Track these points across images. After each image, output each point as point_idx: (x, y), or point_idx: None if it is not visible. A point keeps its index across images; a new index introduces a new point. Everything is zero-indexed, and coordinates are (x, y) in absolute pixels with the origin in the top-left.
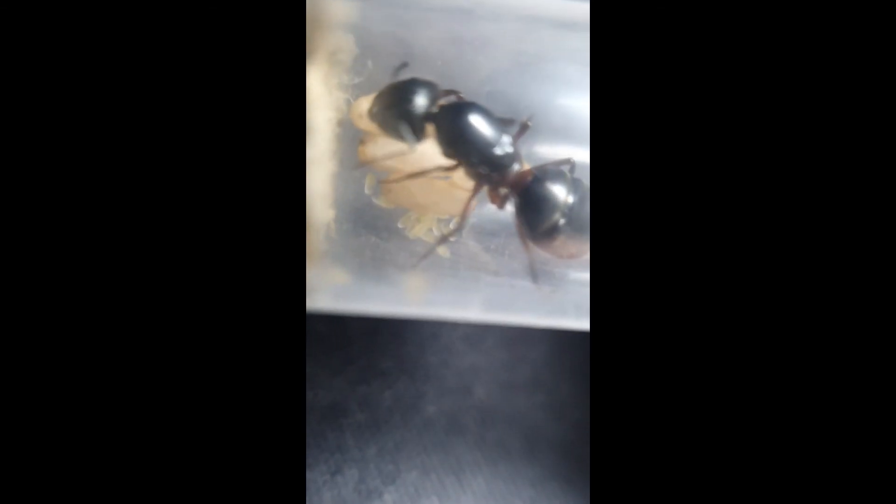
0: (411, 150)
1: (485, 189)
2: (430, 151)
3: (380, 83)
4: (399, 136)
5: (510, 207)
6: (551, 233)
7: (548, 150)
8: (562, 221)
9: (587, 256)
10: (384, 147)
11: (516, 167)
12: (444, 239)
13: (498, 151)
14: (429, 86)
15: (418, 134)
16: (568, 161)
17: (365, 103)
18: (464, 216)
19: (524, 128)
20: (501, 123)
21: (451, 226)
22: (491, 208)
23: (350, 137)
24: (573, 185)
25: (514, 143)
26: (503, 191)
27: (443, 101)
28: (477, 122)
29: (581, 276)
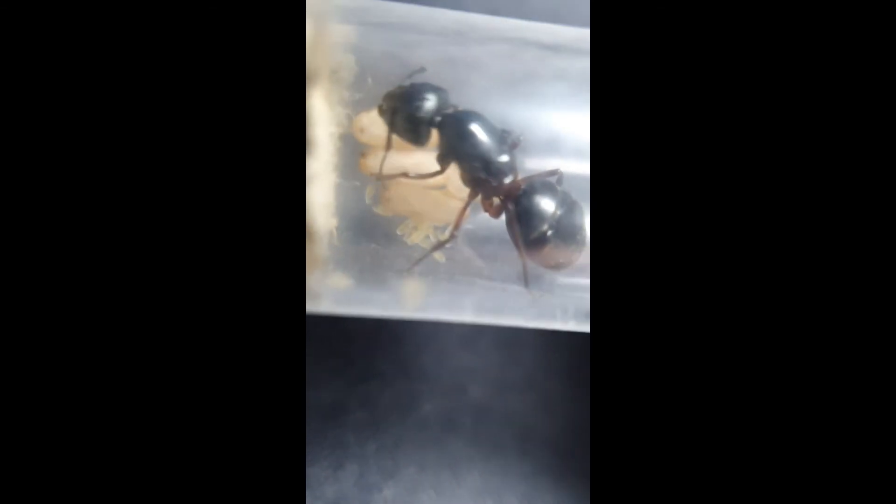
0: (415, 149)
1: (478, 198)
2: (426, 161)
3: (379, 99)
4: (404, 135)
5: (502, 216)
6: (539, 243)
7: (534, 163)
8: (550, 232)
9: (573, 266)
10: (384, 160)
11: (511, 177)
12: (439, 245)
13: (500, 159)
14: (439, 91)
15: (423, 134)
16: (555, 172)
17: (365, 118)
18: (458, 224)
19: (516, 142)
20: (502, 133)
21: (447, 233)
22: (484, 216)
23: (351, 151)
24: (561, 197)
25: (512, 155)
26: (496, 200)
27: (449, 110)
28: (482, 129)
29: (569, 281)
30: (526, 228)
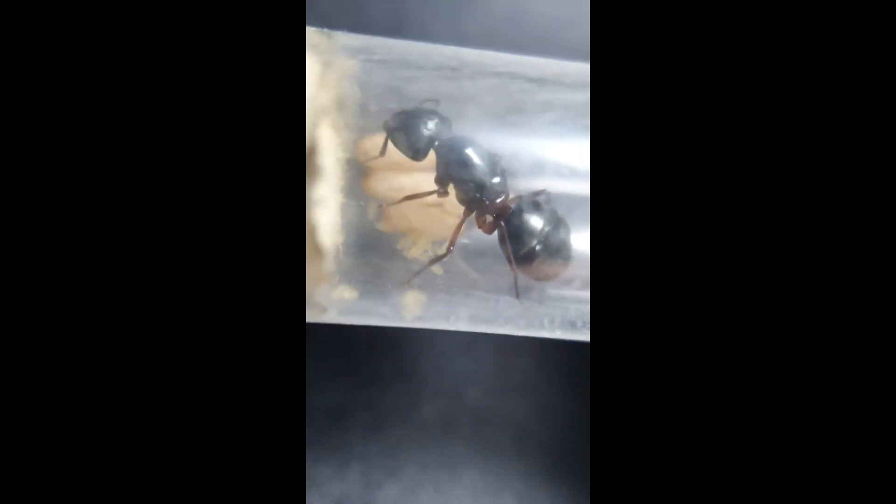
0: (413, 163)
1: (473, 216)
2: (424, 181)
3: (381, 124)
4: (405, 150)
5: (495, 233)
6: (529, 257)
7: (522, 185)
8: (538, 247)
9: (559, 278)
10: (386, 180)
11: (503, 197)
12: (436, 259)
13: (493, 181)
14: (443, 119)
15: (421, 151)
16: (543, 192)
17: (369, 143)
18: (454, 239)
19: (507, 167)
20: (494, 158)
21: (443, 248)
22: (479, 232)
23: (356, 173)
24: (549, 215)
25: (503, 177)
26: (489, 218)
27: (448, 136)
28: (477, 154)
29: (555, 292)
30: (516, 244)
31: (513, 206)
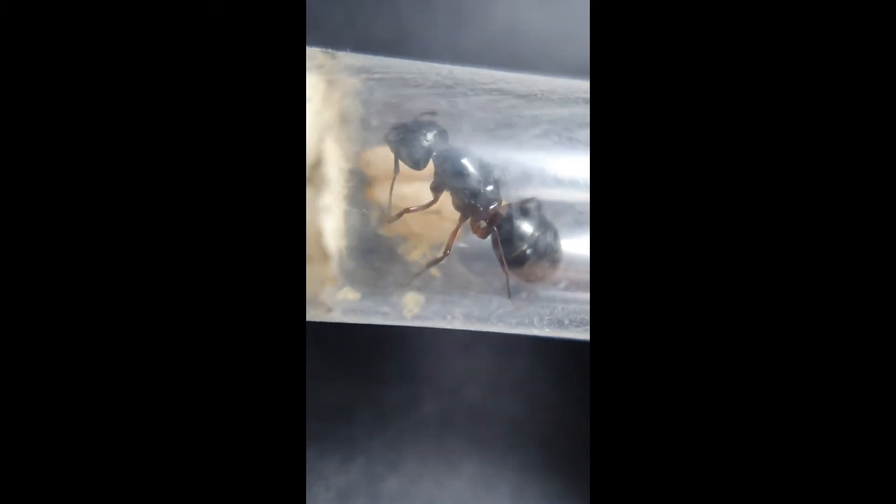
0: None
1: (468, 221)
2: (424, 190)
3: (383, 138)
4: (406, 160)
5: (488, 238)
6: (520, 260)
7: (511, 193)
8: (529, 251)
9: (549, 280)
10: (387, 190)
11: (496, 204)
12: (434, 262)
13: (486, 189)
14: (441, 130)
15: (421, 161)
16: (533, 199)
17: (371, 154)
18: (450, 244)
19: (497, 179)
20: (487, 168)
21: (441, 251)
22: (474, 237)
23: (359, 182)
24: (538, 221)
25: (496, 185)
26: (482, 224)
27: (445, 147)
28: (471, 164)
29: (545, 293)
30: (508, 248)
31: (504, 212)
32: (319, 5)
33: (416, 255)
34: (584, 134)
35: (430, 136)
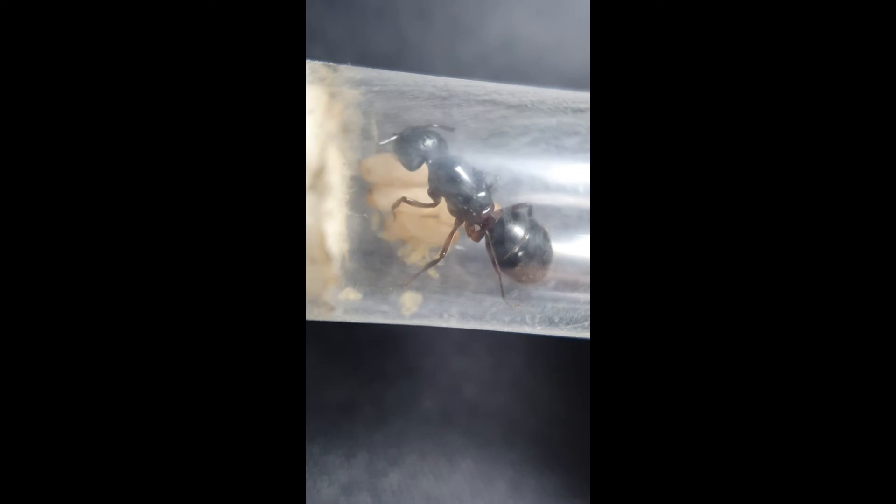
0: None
1: (463, 225)
2: (421, 194)
3: (382, 147)
4: (400, 156)
5: (482, 242)
6: (512, 262)
7: (501, 198)
8: (520, 253)
9: (540, 281)
10: (387, 195)
11: (488, 209)
12: (431, 264)
13: (479, 195)
14: (441, 140)
15: (413, 162)
16: (525, 204)
17: (371, 161)
18: (446, 247)
19: (491, 184)
20: (480, 175)
21: (437, 254)
22: (470, 240)
23: (360, 188)
24: (530, 225)
25: (488, 192)
26: (477, 227)
27: (442, 154)
28: (465, 171)
29: (537, 292)
30: (501, 251)
31: (497, 217)
32: (322, 20)
33: (415, 257)
34: (572, 142)
35: (428, 142)
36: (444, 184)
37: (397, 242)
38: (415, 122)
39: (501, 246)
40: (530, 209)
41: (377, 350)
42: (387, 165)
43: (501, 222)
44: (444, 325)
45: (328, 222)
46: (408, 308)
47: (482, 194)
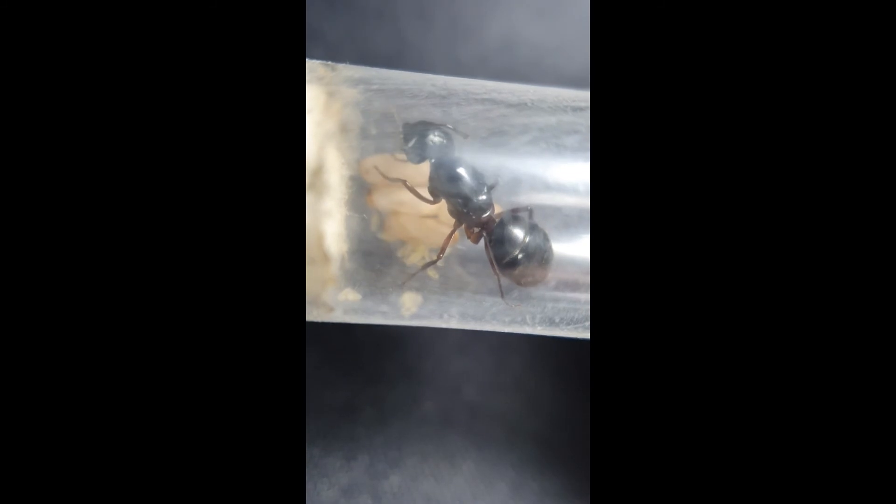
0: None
1: (463, 227)
2: (421, 194)
3: (381, 146)
4: (404, 143)
5: (482, 242)
6: (513, 264)
7: (500, 198)
8: (520, 256)
9: (540, 283)
10: (387, 195)
11: (489, 212)
12: (428, 265)
13: (478, 198)
14: (447, 141)
15: (414, 155)
16: (527, 208)
17: (370, 162)
18: (444, 248)
19: (493, 185)
20: (481, 177)
21: (435, 255)
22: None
23: (359, 189)
24: (529, 227)
25: (489, 195)
26: (476, 229)
27: (446, 153)
28: (465, 173)
29: (537, 293)
30: (500, 253)
31: (497, 220)
32: (322, 21)
33: (415, 258)
34: (572, 140)
35: (436, 138)
36: (444, 184)
37: (397, 243)
38: (413, 120)
39: (501, 248)
40: (531, 212)
41: (377, 351)
42: (387, 166)
43: (502, 224)
44: (444, 325)
45: (327, 222)
46: (407, 309)
47: (482, 197)
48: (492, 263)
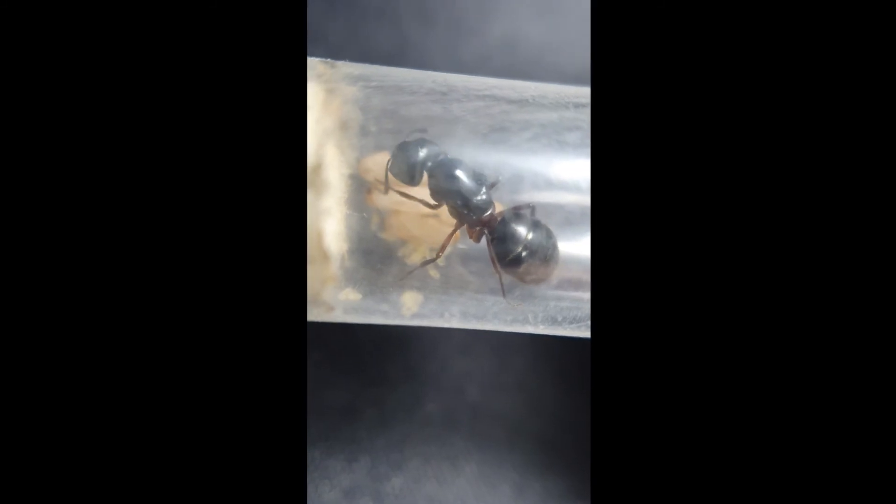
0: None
1: (464, 226)
2: (422, 196)
3: (381, 143)
4: (403, 178)
5: (484, 241)
6: (516, 262)
7: (501, 196)
8: (524, 254)
9: (544, 281)
10: (387, 195)
11: (489, 211)
12: (426, 263)
13: (479, 198)
14: (430, 145)
15: (416, 177)
16: (529, 205)
17: (370, 161)
18: (444, 247)
19: (494, 183)
20: (480, 176)
21: (435, 254)
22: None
23: (359, 188)
24: (533, 225)
25: (489, 193)
26: (478, 228)
27: (439, 157)
28: (464, 173)
29: (539, 292)
30: (503, 251)
31: (499, 219)
32: (323, 20)
33: (416, 257)
34: (573, 137)
35: (421, 153)
36: (442, 189)
37: (397, 242)
38: (413, 117)
39: (504, 246)
40: (533, 209)
41: (379, 352)
42: (385, 165)
43: (504, 222)
44: (446, 325)
45: (326, 221)
46: (408, 308)
47: (482, 197)
48: (493, 262)
